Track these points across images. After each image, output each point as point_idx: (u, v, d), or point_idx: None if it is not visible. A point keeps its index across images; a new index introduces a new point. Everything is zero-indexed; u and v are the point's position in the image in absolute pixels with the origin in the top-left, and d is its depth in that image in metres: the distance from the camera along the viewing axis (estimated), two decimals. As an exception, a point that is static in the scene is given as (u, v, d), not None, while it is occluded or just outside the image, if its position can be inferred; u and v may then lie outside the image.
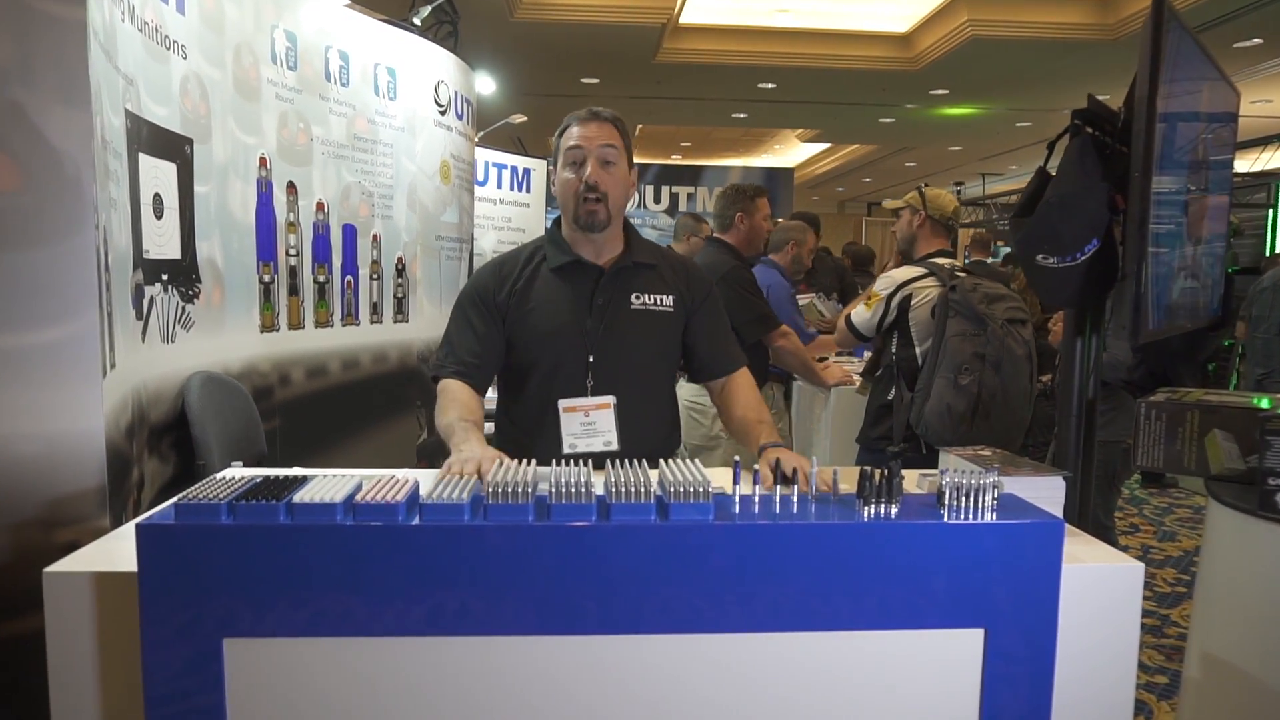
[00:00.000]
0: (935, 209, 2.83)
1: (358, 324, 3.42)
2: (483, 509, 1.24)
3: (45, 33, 1.48)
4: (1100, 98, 1.99)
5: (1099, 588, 1.32)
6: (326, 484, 1.29)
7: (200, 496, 1.22)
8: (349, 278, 3.34)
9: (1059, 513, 1.49)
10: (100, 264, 1.60)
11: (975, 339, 2.48)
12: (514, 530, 1.21)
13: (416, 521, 1.21)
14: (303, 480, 1.31)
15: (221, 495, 1.22)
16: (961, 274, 2.66)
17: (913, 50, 7.93)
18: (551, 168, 1.95)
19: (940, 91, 9.10)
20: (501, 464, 1.43)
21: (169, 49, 2.31)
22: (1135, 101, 1.76)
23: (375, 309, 3.53)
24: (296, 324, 3.06)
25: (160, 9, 2.26)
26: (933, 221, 2.83)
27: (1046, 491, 1.49)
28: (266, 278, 2.88)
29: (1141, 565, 1.34)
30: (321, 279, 3.19)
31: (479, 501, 1.27)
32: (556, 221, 1.99)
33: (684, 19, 7.50)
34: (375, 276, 3.52)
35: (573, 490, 1.24)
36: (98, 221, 1.56)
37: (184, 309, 2.40)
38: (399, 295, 3.68)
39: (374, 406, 3.55)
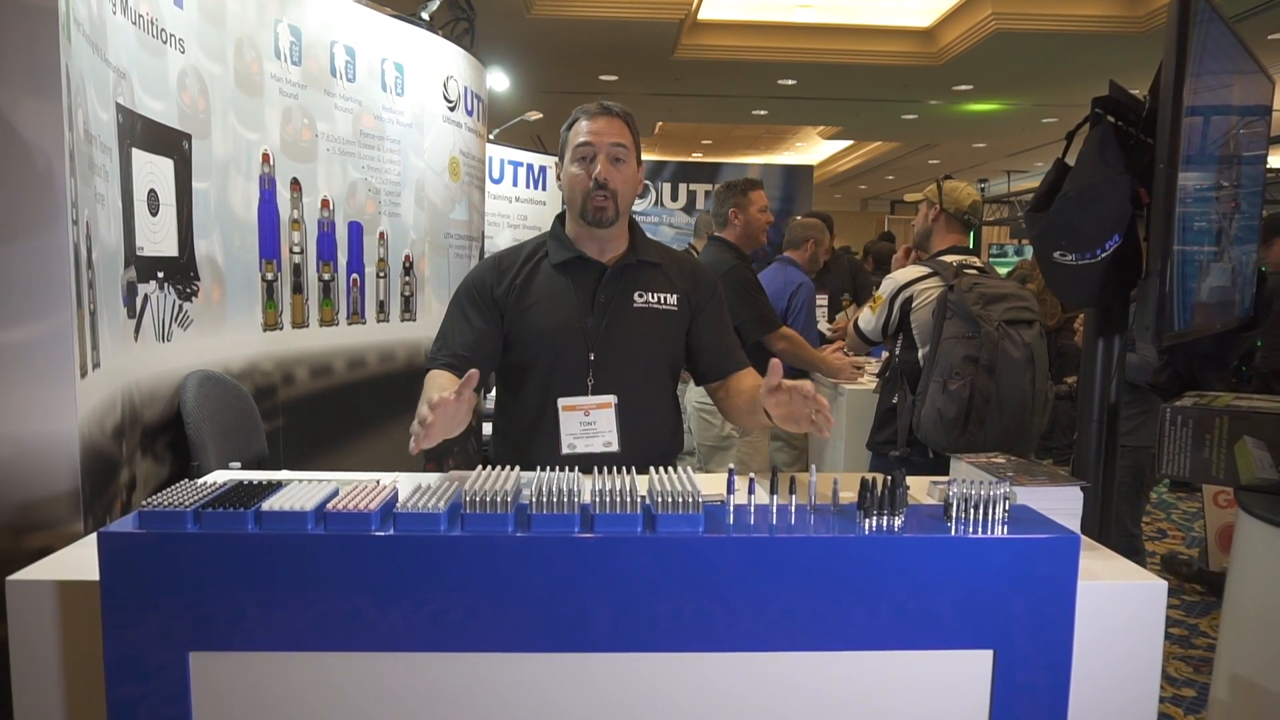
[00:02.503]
0: (951, 202, 2.72)
1: (364, 322, 3.38)
2: (460, 518, 1.18)
3: (13, 20, 1.43)
4: (1130, 92, 1.89)
5: (1118, 606, 1.24)
6: (300, 491, 1.23)
7: (166, 503, 1.17)
8: (355, 276, 3.30)
9: (1077, 525, 1.41)
10: (80, 261, 1.55)
11: (969, 341, 2.38)
12: (491, 541, 1.14)
13: (390, 531, 1.15)
14: (277, 486, 1.26)
15: (188, 502, 1.17)
16: (970, 271, 2.55)
17: (935, 45, 7.79)
18: (558, 161, 1.91)
19: (964, 87, 8.96)
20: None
21: (165, 43, 2.27)
22: (1160, 86, 1.66)
23: (382, 307, 3.49)
24: (300, 322, 3.01)
25: (156, 2, 2.22)
26: (948, 216, 2.72)
27: (1063, 503, 1.40)
28: (269, 275, 2.84)
29: (1164, 583, 1.25)
30: (326, 277, 3.14)
31: (457, 510, 1.20)
32: (559, 217, 1.95)
33: (703, 14, 7.41)
34: (382, 274, 3.47)
35: (555, 499, 1.18)
36: (75, 217, 1.51)
37: (181, 307, 2.36)
38: (406, 293, 3.63)
39: (381, 406, 3.50)
